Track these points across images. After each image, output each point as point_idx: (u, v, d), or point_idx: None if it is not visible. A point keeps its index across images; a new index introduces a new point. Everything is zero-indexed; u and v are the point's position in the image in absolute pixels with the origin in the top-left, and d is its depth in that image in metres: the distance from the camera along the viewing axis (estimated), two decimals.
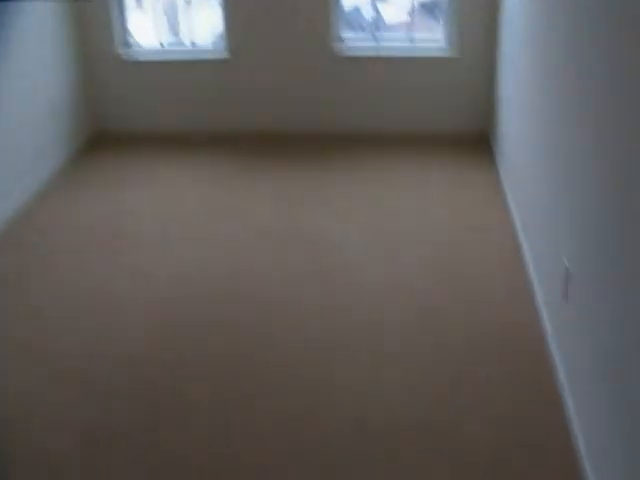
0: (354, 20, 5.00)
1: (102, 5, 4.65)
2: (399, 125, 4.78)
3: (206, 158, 4.60)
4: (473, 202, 3.90)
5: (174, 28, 5.06)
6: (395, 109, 4.74)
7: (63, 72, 4.59)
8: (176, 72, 4.81)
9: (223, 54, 4.73)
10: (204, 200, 4.07)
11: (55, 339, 2.89)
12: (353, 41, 4.71)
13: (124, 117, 4.98)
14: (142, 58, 4.81)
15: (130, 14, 4.79)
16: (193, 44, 4.87)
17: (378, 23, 4.78)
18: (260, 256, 3.46)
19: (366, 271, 3.29)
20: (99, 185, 4.31)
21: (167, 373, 2.66)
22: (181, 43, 4.95)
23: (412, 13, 4.67)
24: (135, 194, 4.17)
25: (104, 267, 3.42)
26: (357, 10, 4.92)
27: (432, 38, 4.65)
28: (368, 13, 4.83)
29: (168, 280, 3.28)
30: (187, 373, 2.67)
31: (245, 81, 4.78)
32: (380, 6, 4.81)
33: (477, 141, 4.66)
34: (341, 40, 4.65)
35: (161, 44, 4.86)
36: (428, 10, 4.81)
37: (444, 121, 4.74)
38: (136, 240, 3.68)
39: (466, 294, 3.07)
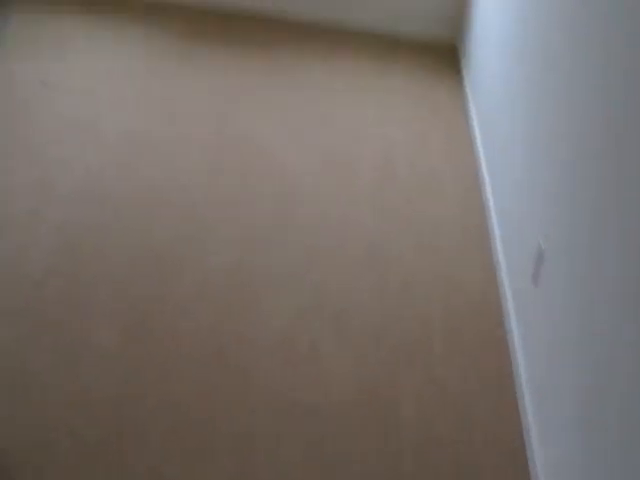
0: None
1: None
2: (355, 19, 4.22)
3: (140, 29, 3.97)
4: (434, 132, 3.44)
5: None
6: (354, 1, 4.16)
7: None
8: None
9: None
10: (129, 82, 3.52)
11: None
12: None
13: None
14: None
15: None
16: None
17: None
18: (186, 160, 3.02)
19: (304, 198, 2.91)
20: (8, 49, 3.65)
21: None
22: None
23: None
24: (50, 65, 3.55)
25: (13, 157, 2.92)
26: None
27: None
28: None
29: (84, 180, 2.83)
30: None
31: None
32: None
33: (444, 52, 4.15)
34: None
35: None
36: None
37: (407, 23, 4.20)
38: (46, 124, 3.13)
39: (417, 258, 2.74)
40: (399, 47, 4.13)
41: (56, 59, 3.61)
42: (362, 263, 2.61)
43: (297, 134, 3.29)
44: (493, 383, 2.20)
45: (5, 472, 1.76)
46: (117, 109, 3.30)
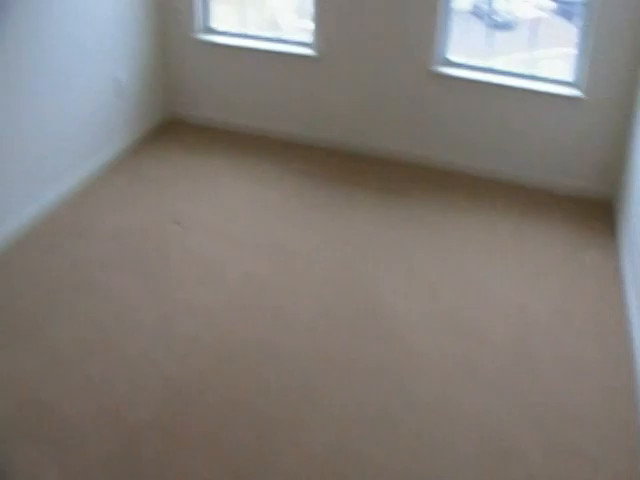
0: (464, 36, 4.25)
1: None
2: (498, 169, 3.99)
3: (275, 169, 3.99)
4: (581, 302, 3.03)
5: (262, 16, 4.47)
6: (496, 148, 3.96)
7: (134, 47, 4.07)
8: (257, 64, 4.23)
9: (310, 52, 4.09)
10: (258, 223, 3.49)
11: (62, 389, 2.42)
12: (459, 57, 3.94)
13: (197, 106, 4.46)
14: (222, 44, 4.24)
15: None
16: (281, 36, 4.23)
17: (492, 42, 3.99)
18: (300, 312, 2.89)
19: (421, 369, 2.63)
20: (152, 183, 3.82)
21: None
22: (268, 32, 4.32)
23: (536, 36, 3.86)
24: (186, 203, 3.65)
25: (132, 290, 2.96)
26: (470, 24, 4.17)
27: (557, 71, 3.85)
28: (483, 30, 4.04)
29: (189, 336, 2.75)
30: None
31: (331, 87, 4.13)
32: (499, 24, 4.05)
33: (596, 208, 3.77)
34: (446, 57, 3.91)
35: (245, 32, 4.26)
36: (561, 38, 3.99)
37: (556, 174, 3.90)
38: (174, 263, 3.19)
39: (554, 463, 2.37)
40: (544, 199, 3.82)
41: (192, 197, 3.69)
42: (479, 458, 2.26)
43: (421, 292, 3.04)
44: None
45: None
46: (244, 251, 3.27)
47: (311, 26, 4.05)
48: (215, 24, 4.30)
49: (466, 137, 3.99)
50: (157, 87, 4.37)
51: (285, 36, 4.23)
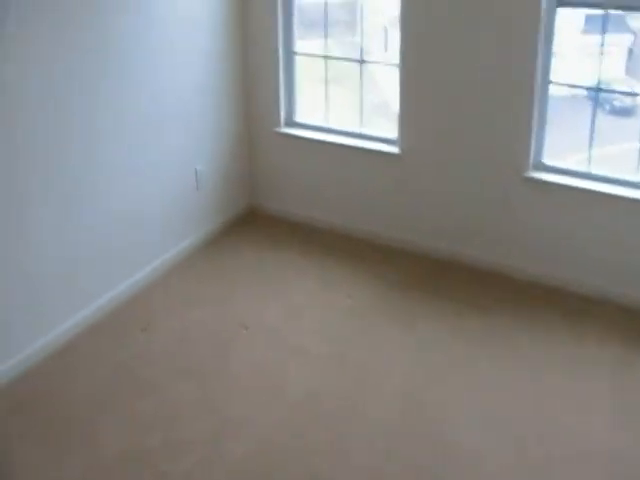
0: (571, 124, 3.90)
1: (269, 77, 4.11)
2: (599, 285, 3.49)
3: (350, 269, 3.76)
4: None
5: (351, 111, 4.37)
6: (599, 263, 3.48)
7: (216, 140, 4.05)
8: (339, 158, 4.05)
9: (394, 149, 3.93)
10: (326, 334, 3.27)
11: None
12: (561, 152, 3.57)
13: (277, 198, 4.35)
14: (305, 137, 4.12)
15: (300, 90, 4.18)
16: (363, 132, 4.09)
17: (604, 130, 3.59)
18: (359, 441, 2.63)
19: None
20: (223, 279, 3.72)
21: None
22: (352, 127, 4.18)
23: None
24: (254, 301, 3.52)
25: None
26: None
27: None
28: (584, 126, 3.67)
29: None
30: None
31: (413, 187, 3.87)
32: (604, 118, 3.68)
33: None
34: (541, 161, 3.57)
35: (329, 126, 4.16)
36: None
37: None
38: (235, 371, 3.04)
39: None
40: None
41: (261, 297, 3.55)
42: None
43: (498, 429, 2.69)
44: None
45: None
46: (307, 362, 3.07)
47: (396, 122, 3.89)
48: (299, 116, 4.22)
49: (563, 249, 3.55)
50: (237, 179, 4.29)
51: (368, 132, 4.09)
